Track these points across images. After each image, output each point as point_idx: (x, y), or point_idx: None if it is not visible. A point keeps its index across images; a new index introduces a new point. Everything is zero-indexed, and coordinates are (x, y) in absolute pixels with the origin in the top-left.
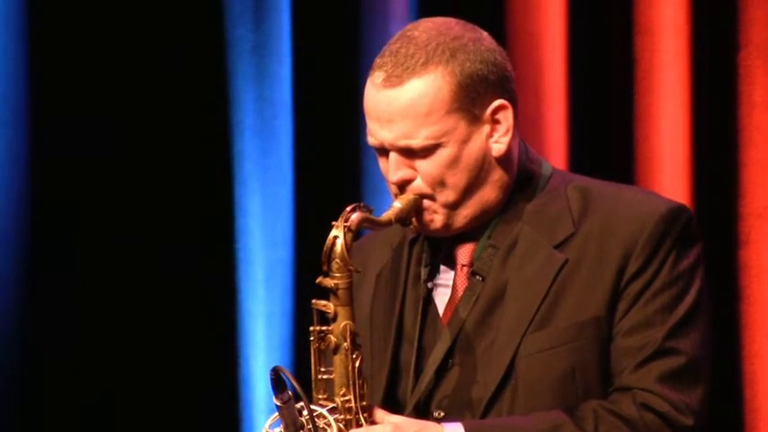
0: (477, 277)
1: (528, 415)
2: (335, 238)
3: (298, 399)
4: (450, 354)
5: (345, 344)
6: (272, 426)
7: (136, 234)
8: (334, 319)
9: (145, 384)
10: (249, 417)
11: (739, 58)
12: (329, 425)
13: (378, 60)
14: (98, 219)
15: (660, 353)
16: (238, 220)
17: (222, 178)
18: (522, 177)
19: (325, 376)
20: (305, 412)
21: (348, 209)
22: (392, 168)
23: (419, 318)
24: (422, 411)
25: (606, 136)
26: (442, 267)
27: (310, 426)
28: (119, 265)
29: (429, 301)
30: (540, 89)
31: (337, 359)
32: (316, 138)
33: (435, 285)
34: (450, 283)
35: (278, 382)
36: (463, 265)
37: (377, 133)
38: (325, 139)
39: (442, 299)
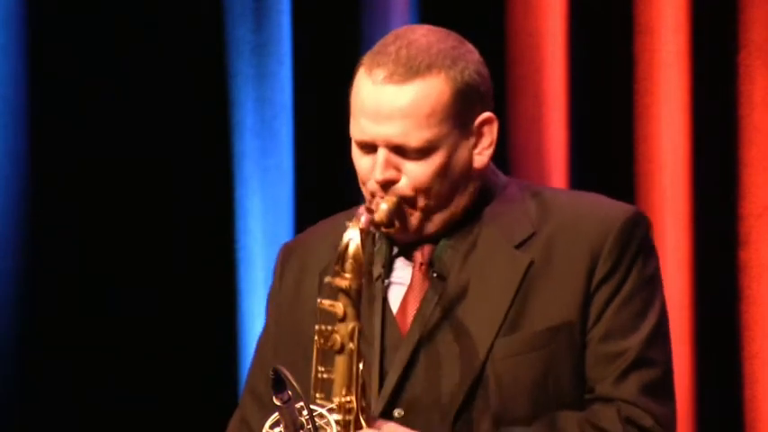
0: (437, 276)
1: (512, 430)
2: (351, 238)
3: (298, 399)
4: (415, 353)
5: (352, 345)
6: (272, 426)
7: (136, 234)
8: (343, 319)
9: (145, 384)
10: None
11: (739, 58)
12: (329, 425)
13: (374, 58)
14: (98, 219)
15: (639, 362)
16: (238, 220)
17: (222, 178)
18: (483, 186)
19: (324, 376)
20: (305, 412)
21: (360, 209)
22: (380, 167)
23: (379, 316)
24: (387, 411)
25: (606, 136)
26: (397, 265)
27: (310, 426)
28: (119, 264)
29: (385, 300)
30: (540, 89)
31: (340, 359)
32: (316, 138)
33: (390, 283)
34: (405, 281)
35: (278, 382)
36: (421, 264)
37: (370, 130)
38: (325, 139)
39: (395, 296)
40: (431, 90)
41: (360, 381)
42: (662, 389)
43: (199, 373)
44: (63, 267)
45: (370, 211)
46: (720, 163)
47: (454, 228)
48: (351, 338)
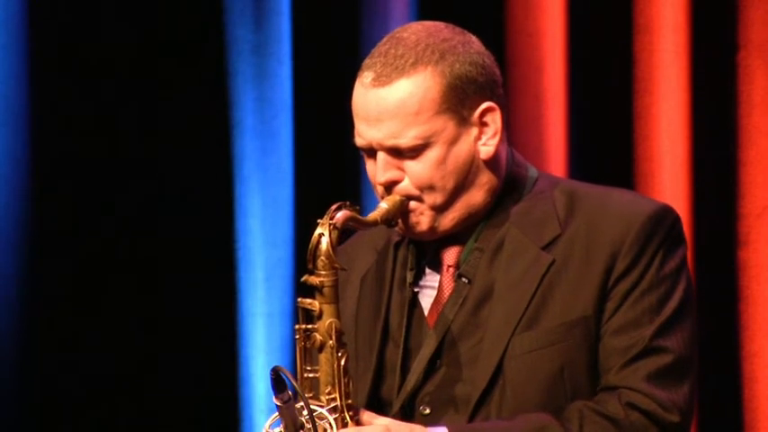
0: (464, 279)
1: (513, 418)
2: (321, 235)
3: (298, 398)
4: (437, 354)
5: (331, 342)
6: (272, 426)
7: (135, 234)
8: (320, 316)
9: (145, 385)
10: (249, 417)
11: (738, 57)
12: (329, 425)
13: (366, 61)
14: (98, 219)
15: (647, 352)
16: (238, 220)
17: (222, 178)
18: (509, 181)
19: (310, 375)
20: (305, 412)
21: (333, 207)
22: (380, 169)
23: (405, 319)
24: (408, 410)
25: (606, 136)
26: (428, 269)
27: (310, 425)
28: (118, 265)
29: (415, 303)
30: (540, 89)
31: (323, 357)
32: (316, 138)
33: (421, 287)
34: (436, 284)
35: (278, 382)
36: (449, 266)
37: (365, 133)
38: (325, 139)
39: (427, 300)
40: (417, 88)
41: (344, 377)
42: (671, 376)
43: (198, 373)
44: (63, 267)
45: (342, 207)
46: (720, 163)
47: (481, 227)
48: (329, 335)
